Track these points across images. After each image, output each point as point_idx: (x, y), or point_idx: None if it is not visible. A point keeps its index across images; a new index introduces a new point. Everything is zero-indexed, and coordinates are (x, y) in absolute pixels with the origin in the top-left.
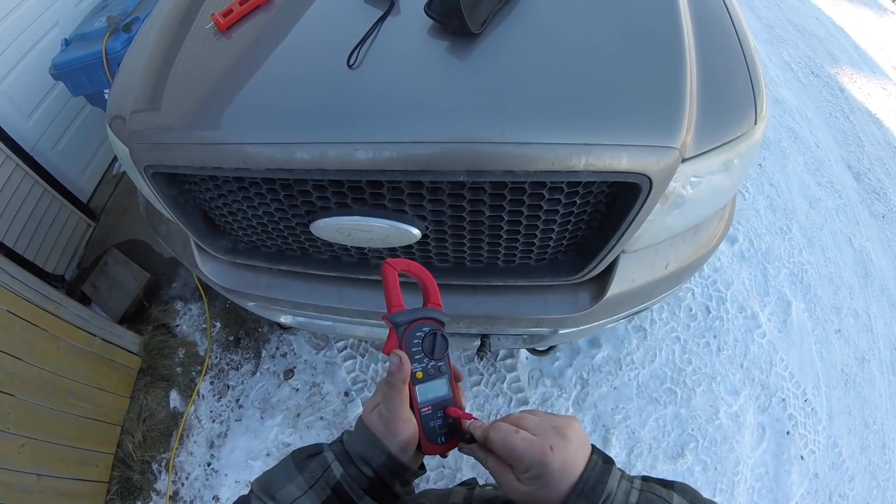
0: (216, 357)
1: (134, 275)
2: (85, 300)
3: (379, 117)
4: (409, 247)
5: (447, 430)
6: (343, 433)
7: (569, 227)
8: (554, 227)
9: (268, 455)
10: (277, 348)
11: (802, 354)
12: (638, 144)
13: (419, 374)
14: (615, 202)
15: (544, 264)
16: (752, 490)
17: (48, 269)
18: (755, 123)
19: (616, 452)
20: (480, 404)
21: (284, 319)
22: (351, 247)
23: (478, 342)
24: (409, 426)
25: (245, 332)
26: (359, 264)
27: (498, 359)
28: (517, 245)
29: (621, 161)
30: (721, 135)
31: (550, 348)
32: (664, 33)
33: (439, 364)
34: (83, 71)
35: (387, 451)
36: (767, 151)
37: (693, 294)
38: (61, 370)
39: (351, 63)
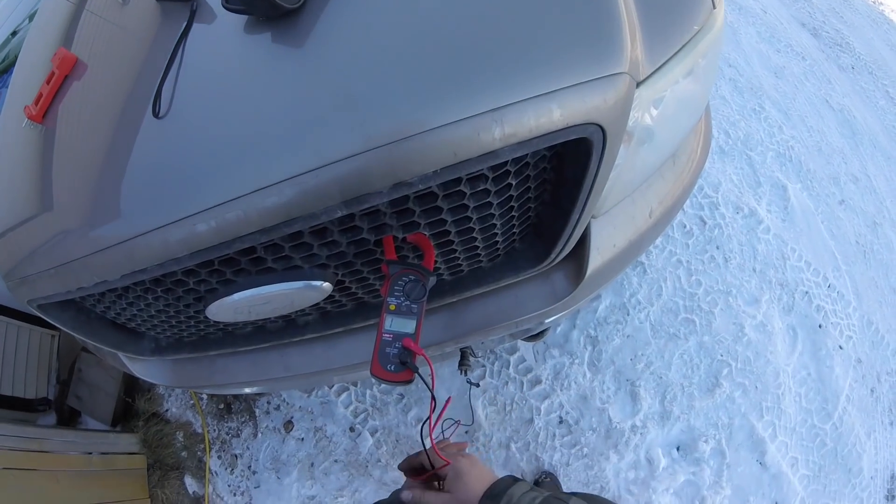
0: (214, 430)
1: (109, 373)
2: (75, 413)
3: (205, 173)
4: (331, 296)
5: (399, 362)
6: None
7: (513, 213)
8: (493, 220)
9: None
10: (269, 403)
11: (813, 238)
12: (569, 84)
13: (392, 307)
14: (563, 166)
15: (500, 261)
16: (798, 398)
17: (29, 395)
18: (714, 7)
19: (649, 404)
20: (492, 397)
21: (249, 391)
22: None
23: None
24: None
25: (233, 395)
26: (287, 328)
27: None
28: (457, 255)
29: (552, 116)
30: (677, 35)
31: (544, 331)
32: None
33: (413, 306)
34: None
35: None
36: None
37: (683, 208)
38: (71, 501)
39: (157, 112)
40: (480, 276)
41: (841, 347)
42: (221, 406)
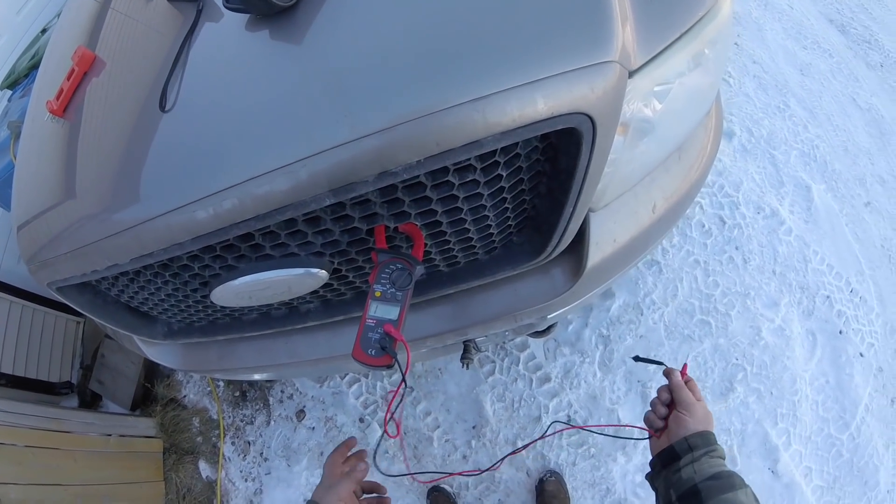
0: (229, 416)
1: (130, 359)
2: (96, 397)
3: (205, 162)
4: (328, 283)
5: (380, 348)
6: None
7: (507, 205)
8: (486, 212)
9: (305, 500)
10: (283, 391)
11: (836, 240)
12: (554, 73)
13: (377, 294)
14: (557, 156)
15: (497, 254)
16: (815, 405)
17: (53, 379)
18: None
19: None
20: (500, 394)
21: (259, 377)
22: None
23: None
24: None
25: (249, 384)
26: (290, 315)
27: (506, 341)
28: (451, 246)
29: (536, 105)
30: (675, 23)
31: (550, 327)
32: None
33: (397, 294)
34: (6, 185)
35: None
36: (740, 27)
37: (701, 207)
38: (88, 480)
39: (163, 106)
40: (478, 268)
41: (862, 355)
42: (237, 394)
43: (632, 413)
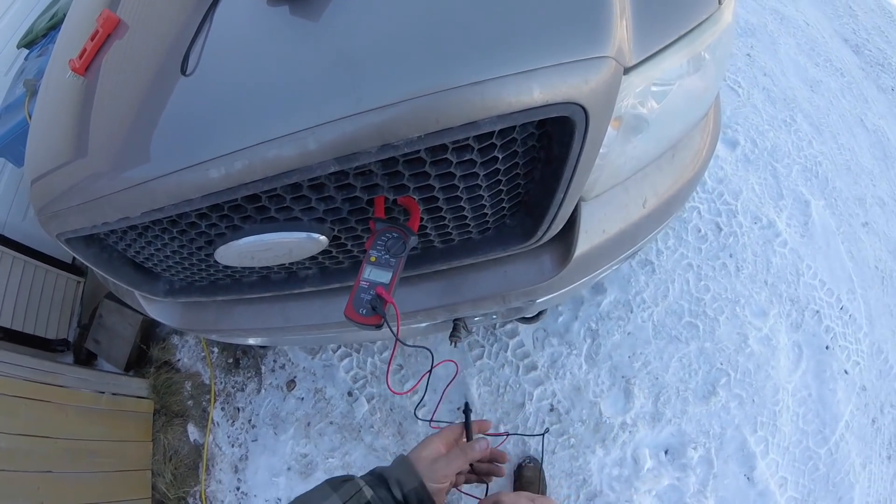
0: (221, 382)
1: (128, 320)
2: (91, 357)
3: (220, 125)
4: (327, 251)
5: (371, 308)
6: (375, 468)
7: (501, 187)
8: (481, 192)
9: (289, 469)
10: (275, 361)
11: (830, 257)
12: (549, 64)
13: (373, 259)
14: (551, 144)
15: (490, 235)
16: (796, 417)
17: (50, 335)
18: (719, 2)
19: (641, 403)
20: (487, 378)
21: (253, 341)
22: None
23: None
24: (446, 487)
25: (242, 351)
26: (288, 280)
27: (497, 326)
28: (446, 223)
29: (532, 94)
30: (674, 25)
31: (540, 313)
32: None
33: (391, 260)
34: (18, 142)
35: (420, 480)
36: (754, 39)
37: (699, 212)
38: (77, 434)
39: (185, 69)
40: (471, 246)
41: (846, 372)
42: (231, 360)
43: (614, 407)
